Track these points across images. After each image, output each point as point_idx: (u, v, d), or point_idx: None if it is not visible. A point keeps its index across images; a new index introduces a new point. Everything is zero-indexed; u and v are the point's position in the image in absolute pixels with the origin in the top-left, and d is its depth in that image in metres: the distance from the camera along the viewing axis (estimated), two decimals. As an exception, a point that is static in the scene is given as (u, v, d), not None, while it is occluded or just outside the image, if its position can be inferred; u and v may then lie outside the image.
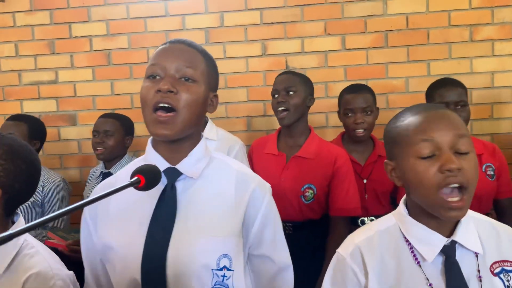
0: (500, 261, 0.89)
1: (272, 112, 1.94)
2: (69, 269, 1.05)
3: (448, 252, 0.88)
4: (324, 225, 1.83)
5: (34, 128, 2.19)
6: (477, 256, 0.89)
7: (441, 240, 0.88)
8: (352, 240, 0.98)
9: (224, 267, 0.93)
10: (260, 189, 1.01)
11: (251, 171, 1.07)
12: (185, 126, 0.94)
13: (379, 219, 1.01)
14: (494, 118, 2.44)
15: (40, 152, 2.50)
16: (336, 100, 2.05)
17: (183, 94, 0.92)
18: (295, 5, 2.48)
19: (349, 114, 1.89)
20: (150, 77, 0.95)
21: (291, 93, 1.82)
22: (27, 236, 1.02)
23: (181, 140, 0.96)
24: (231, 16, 2.52)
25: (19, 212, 1.06)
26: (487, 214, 1.27)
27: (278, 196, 1.70)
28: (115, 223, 0.97)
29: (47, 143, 2.61)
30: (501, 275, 0.88)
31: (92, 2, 2.57)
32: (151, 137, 1.01)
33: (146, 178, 0.75)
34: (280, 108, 1.82)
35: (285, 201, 1.79)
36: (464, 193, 0.83)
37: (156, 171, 0.80)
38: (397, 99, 2.46)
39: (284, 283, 1.07)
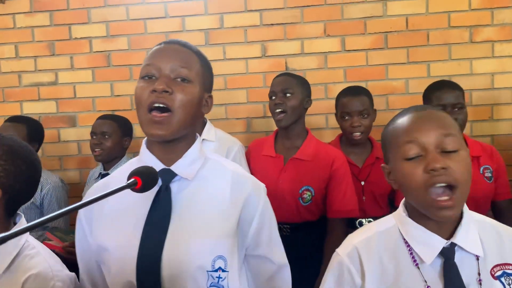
0: (502, 264, 0.88)
1: (272, 114, 1.94)
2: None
3: (447, 254, 0.87)
4: (321, 226, 1.83)
5: (33, 130, 2.19)
6: (477, 259, 0.88)
7: (440, 242, 0.88)
8: (350, 240, 0.98)
9: (219, 268, 0.93)
10: (256, 191, 1.01)
11: (246, 172, 1.07)
12: (180, 126, 0.93)
13: (379, 220, 1.00)
14: (494, 119, 2.44)
15: (40, 153, 2.51)
16: (335, 102, 2.05)
17: (178, 94, 0.92)
18: (294, 7, 2.48)
19: (346, 117, 1.89)
20: (145, 77, 0.95)
21: (288, 95, 1.82)
22: (28, 237, 1.03)
23: (176, 140, 0.96)
24: (230, 17, 2.52)
25: (20, 213, 1.06)
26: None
27: (276, 198, 1.72)
28: (110, 224, 0.97)
29: (47, 144, 2.62)
30: (502, 279, 0.87)
31: (92, 4, 2.58)
32: (146, 137, 1.01)
33: (143, 180, 0.75)
34: (277, 110, 1.82)
35: (283, 203, 1.79)
36: (454, 192, 0.83)
37: (153, 173, 0.80)
38: (397, 100, 2.45)
39: (282, 283, 1.07)
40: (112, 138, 2.12)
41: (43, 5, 2.60)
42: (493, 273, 0.87)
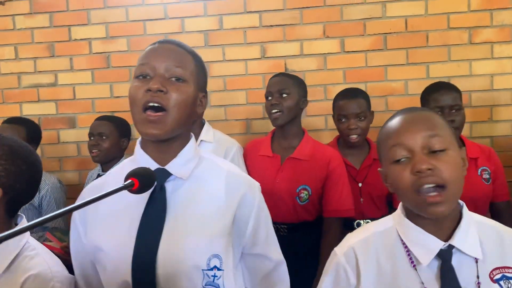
0: (502, 267, 0.88)
1: (271, 115, 1.94)
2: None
3: (445, 256, 0.87)
4: (318, 227, 1.84)
5: (32, 131, 2.20)
6: (476, 261, 0.88)
7: (438, 244, 0.87)
8: (348, 240, 0.98)
9: (215, 267, 0.93)
10: (251, 190, 1.02)
11: (241, 171, 1.07)
12: (175, 125, 0.93)
13: (378, 220, 1.00)
14: (493, 120, 2.44)
15: (39, 155, 2.50)
16: (335, 103, 2.05)
17: (173, 94, 0.92)
18: (294, 8, 2.49)
19: (343, 120, 1.90)
20: (140, 76, 0.95)
21: (284, 95, 1.83)
22: (29, 238, 1.03)
23: (170, 140, 0.96)
24: (230, 19, 2.52)
25: (22, 214, 1.06)
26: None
27: (273, 197, 1.74)
28: (105, 224, 0.97)
29: (46, 145, 2.63)
30: (501, 282, 0.86)
31: (91, 5, 2.58)
32: (140, 137, 1.01)
33: (140, 181, 0.75)
34: (274, 111, 1.83)
35: (280, 203, 1.80)
36: (444, 191, 0.83)
37: (150, 174, 0.80)
38: (396, 101, 2.46)
39: (280, 279, 1.08)
40: (110, 139, 2.12)
41: (42, 6, 2.61)
42: (492, 276, 0.87)
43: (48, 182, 2.12)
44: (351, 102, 1.88)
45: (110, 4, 2.57)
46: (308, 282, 1.71)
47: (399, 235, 0.93)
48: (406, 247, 0.91)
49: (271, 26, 2.50)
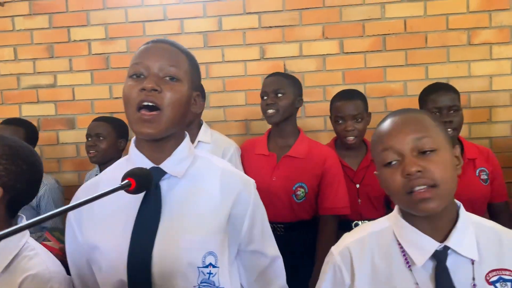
0: (499, 269, 0.87)
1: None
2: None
3: (439, 257, 0.87)
4: (315, 226, 1.85)
5: (31, 132, 2.21)
6: (472, 263, 0.87)
7: (433, 245, 0.87)
8: (344, 239, 0.99)
9: (210, 264, 0.94)
10: (246, 187, 1.02)
11: (235, 169, 1.08)
12: (169, 124, 0.94)
13: (376, 220, 1.01)
14: (492, 121, 2.44)
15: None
16: (334, 104, 2.05)
17: (167, 93, 0.92)
18: (293, 9, 2.49)
19: (340, 121, 1.90)
20: (134, 76, 0.95)
21: (280, 95, 1.85)
22: (28, 238, 1.03)
23: (164, 139, 0.96)
24: (229, 20, 2.52)
25: (22, 215, 1.06)
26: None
27: (269, 196, 1.76)
28: (101, 223, 0.97)
29: (45, 146, 2.63)
30: (498, 284, 0.86)
31: (91, 6, 2.58)
32: (134, 137, 1.02)
33: (136, 181, 0.75)
34: (269, 110, 1.85)
35: (277, 201, 1.82)
36: (434, 188, 0.83)
37: (147, 175, 0.80)
38: (395, 102, 2.46)
39: (276, 274, 1.08)
40: (107, 140, 2.12)
41: (42, 7, 2.61)
42: (488, 278, 0.86)
43: (46, 183, 2.12)
44: (348, 104, 1.89)
45: (110, 5, 2.57)
46: (305, 281, 1.72)
47: (395, 236, 0.93)
48: (401, 247, 0.91)
49: (270, 27, 2.51)
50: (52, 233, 1.73)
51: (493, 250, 0.89)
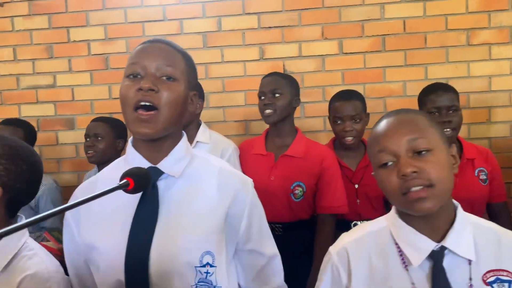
0: (496, 270, 0.87)
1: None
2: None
3: (436, 257, 0.87)
4: (313, 225, 1.86)
5: (29, 133, 2.21)
6: (470, 263, 0.87)
7: (430, 245, 0.87)
8: (342, 239, 0.99)
9: (207, 263, 0.94)
10: (244, 186, 1.02)
11: (233, 168, 1.08)
12: (167, 124, 0.94)
13: (373, 220, 1.01)
14: (491, 122, 2.44)
15: (38, 156, 2.51)
16: (333, 105, 2.05)
17: (164, 93, 0.93)
18: (292, 10, 2.49)
19: (338, 122, 1.91)
20: (130, 76, 0.95)
21: (277, 95, 1.85)
22: (27, 238, 1.03)
23: (162, 139, 0.97)
24: (228, 20, 2.52)
25: (21, 215, 1.06)
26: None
27: (268, 195, 1.76)
28: (98, 223, 0.98)
29: (44, 147, 2.63)
30: (495, 285, 0.86)
31: (90, 7, 2.58)
32: (131, 137, 1.02)
33: (135, 180, 0.75)
34: (267, 111, 1.85)
35: (275, 201, 1.82)
36: (430, 188, 0.83)
37: (145, 174, 0.80)
38: (394, 103, 2.46)
39: (273, 273, 1.08)
40: (105, 140, 2.12)
41: (41, 8, 2.61)
42: (485, 279, 0.86)
43: (44, 183, 2.12)
44: (347, 104, 1.89)
45: (109, 6, 2.58)
46: (304, 280, 1.72)
47: (392, 236, 0.93)
48: (398, 247, 0.91)
49: (270, 27, 2.51)
50: (51, 233, 1.73)
51: (491, 251, 0.88)
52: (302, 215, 1.86)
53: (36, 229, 2.03)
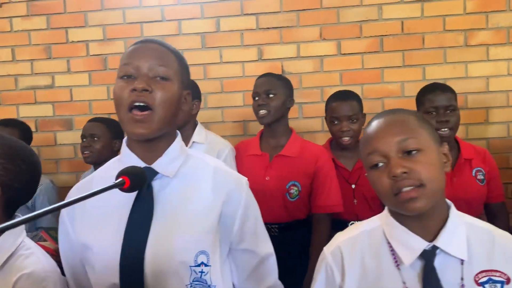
0: (489, 270, 0.87)
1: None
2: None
3: (427, 257, 0.87)
4: (309, 226, 1.86)
5: (25, 133, 2.22)
6: (462, 263, 0.87)
7: (421, 244, 0.87)
8: (336, 239, 1.00)
9: (202, 263, 0.94)
10: (238, 185, 1.02)
11: (228, 168, 1.08)
12: (161, 124, 0.94)
13: (367, 220, 1.01)
14: (489, 122, 2.44)
15: (36, 157, 2.51)
16: (332, 105, 2.06)
17: (158, 92, 0.93)
18: (290, 10, 2.50)
19: (335, 122, 1.91)
20: (124, 77, 0.95)
21: (271, 95, 1.86)
22: (25, 238, 1.03)
23: (156, 139, 0.97)
24: (227, 21, 2.53)
25: (19, 214, 1.06)
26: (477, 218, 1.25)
27: (263, 196, 1.76)
28: (93, 223, 0.98)
29: (43, 147, 2.63)
30: (487, 285, 0.85)
31: (88, 7, 2.59)
32: (126, 137, 1.02)
33: (130, 179, 0.75)
34: (261, 111, 1.86)
35: (271, 201, 1.82)
36: (421, 188, 0.83)
37: (141, 173, 0.81)
38: (392, 103, 2.46)
39: (267, 272, 1.08)
40: (102, 140, 2.12)
41: (40, 8, 2.61)
42: (477, 279, 0.86)
43: (41, 183, 2.11)
44: (344, 105, 1.90)
45: (107, 6, 2.58)
46: (301, 281, 1.72)
47: (385, 235, 0.93)
48: (391, 246, 0.91)
49: (268, 28, 2.51)
50: (48, 232, 1.73)
51: (484, 251, 0.88)
52: (298, 215, 1.87)
53: (33, 228, 2.03)
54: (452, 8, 2.42)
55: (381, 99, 2.48)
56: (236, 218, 1.00)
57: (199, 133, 1.92)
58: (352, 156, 1.96)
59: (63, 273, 1.06)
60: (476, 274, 0.86)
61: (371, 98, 2.46)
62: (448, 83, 2.01)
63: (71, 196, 1.04)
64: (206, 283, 0.94)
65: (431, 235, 0.88)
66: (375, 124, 0.91)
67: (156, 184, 0.97)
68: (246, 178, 1.06)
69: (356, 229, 0.99)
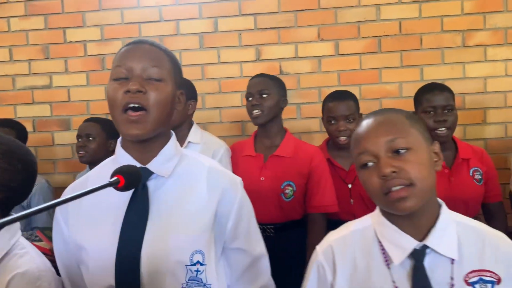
0: (479, 270, 0.86)
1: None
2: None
3: (417, 256, 0.87)
4: (305, 226, 1.86)
5: (21, 133, 2.22)
6: (452, 262, 0.87)
7: (411, 243, 0.87)
8: (328, 237, 1.00)
9: (198, 262, 0.94)
10: (232, 185, 1.03)
11: (222, 167, 1.08)
12: (156, 125, 0.95)
13: (359, 219, 1.01)
14: (486, 123, 2.45)
15: (33, 157, 2.50)
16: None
17: (152, 93, 0.93)
18: (288, 11, 2.50)
19: (332, 122, 1.92)
20: (117, 79, 0.95)
21: (264, 95, 1.87)
22: (20, 237, 1.03)
23: (151, 139, 0.97)
24: (225, 21, 2.53)
25: (15, 214, 1.06)
26: (475, 218, 1.25)
27: (258, 196, 1.75)
28: (88, 223, 0.97)
29: (40, 147, 2.62)
30: (477, 285, 0.85)
31: (86, 7, 2.58)
32: (120, 137, 1.02)
33: (125, 178, 0.75)
34: (255, 111, 1.87)
35: (266, 201, 1.82)
36: (410, 187, 0.84)
37: (136, 172, 0.80)
38: (390, 104, 2.46)
39: (260, 272, 1.08)
40: (97, 140, 2.12)
41: (37, 8, 2.61)
42: (467, 279, 0.86)
43: (37, 183, 2.11)
44: (341, 104, 1.91)
45: (105, 7, 2.58)
46: (298, 281, 1.71)
47: (376, 234, 0.93)
48: (381, 245, 0.92)
49: (266, 28, 2.51)
50: (43, 232, 1.72)
51: (475, 251, 0.88)
52: (293, 216, 1.87)
53: (28, 228, 2.03)
54: (450, 8, 2.43)
55: (379, 99, 2.48)
56: (230, 217, 1.00)
57: (195, 133, 1.92)
58: (348, 156, 1.96)
59: (58, 273, 1.05)
60: (467, 274, 0.86)
61: (369, 99, 2.46)
62: (446, 84, 2.01)
63: (66, 195, 1.04)
64: (202, 282, 0.94)
65: (422, 234, 0.88)
66: (365, 124, 0.91)
67: (151, 184, 0.97)
68: (240, 178, 1.06)
69: (348, 228, 0.99)
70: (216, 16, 2.53)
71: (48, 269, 1.01)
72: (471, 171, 1.79)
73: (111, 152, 2.19)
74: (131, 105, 0.92)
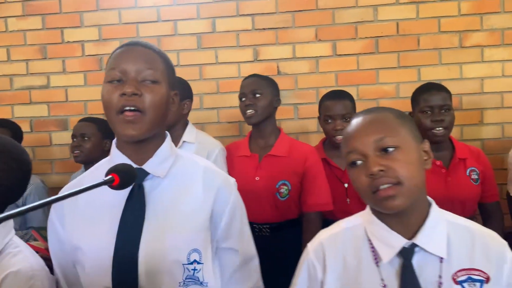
0: (468, 269, 0.87)
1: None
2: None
3: (406, 254, 0.87)
4: (301, 225, 1.86)
5: (15, 134, 2.22)
6: (441, 261, 0.87)
7: (400, 242, 0.88)
8: (319, 235, 1.01)
9: (194, 261, 0.95)
10: (227, 185, 1.03)
11: (217, 168, 1.09)
12: (152, 126, 0.95)
13: (350, 217, 1.02)
14: (483, 123, 2.45)
15: (31, 157, 2.50)
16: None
17: (147, 96, 0.94)
18: (286, 11, 2.50)
19: (329, 121, 1.93)
20: (112, 81, 0.96)
21: (257, 95, 1.88)
22: (13, 236, 1.03)
23: (146, 140, 0.97)
24: (223, 21, 2.53)
25: None
26: (471, 218, 1.25)
27: (254, 196, 1.77)
28: (84, 223, 0.98)
29: (38, 148, 2.62)
30: (465, 284, 0.85)
31: (84, 8, 2.58)
32: (115, 138, 1.02)
33: (120, 177, 0.75)
34: (248, 111, 1.88)
35: (262, 201, 1.83)
36: (398, 186, 0.84)
37: (131, 170, 0.81)
38: (387, 104, 2.45)
39: (250, 273, 1.08)
40: (92, 140, 2.12)
41: (35, 8, 2.61)
42: (455, 277, 0.86)
43: (32, 183, 2.11)
44: (337, 104, 1.92)
45: (103, 7, 2.57)
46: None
47: (366, 232, 0.94)
48: (371, 243, 0.92)
49: (264, 29, 2.52)
50: (39, 231, 1.72)
51: (465, 249, 0.88)
52: (289, 215, 1.87)
53: (24, 227, 2.02)
54: (447, 9, 2.44)
55: (376, 100, 2.49)
56: (224, 215, 1.01)
57: (190, 133, 1.92)
58: None
59: (52, 273, 1.05)
60: (455, 273, 0.86)
61: (367, 99, 2.47)
62: (443, 84, 2.02)
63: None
64: (199, 280, 0.95)
65: (411, 233, 0.89)
66: (354, 123, 0.92)
67: (147, 184, 0.98)
68: (234, 179, 1.07)
69: (339, 226, 1.00)
70: (214, 17, 2.53)
71: (42, 268, 1.01)
72: (468, 171, 1.79)
73: (106, 152, 2.19)
74: (127, 108, 0.92)
